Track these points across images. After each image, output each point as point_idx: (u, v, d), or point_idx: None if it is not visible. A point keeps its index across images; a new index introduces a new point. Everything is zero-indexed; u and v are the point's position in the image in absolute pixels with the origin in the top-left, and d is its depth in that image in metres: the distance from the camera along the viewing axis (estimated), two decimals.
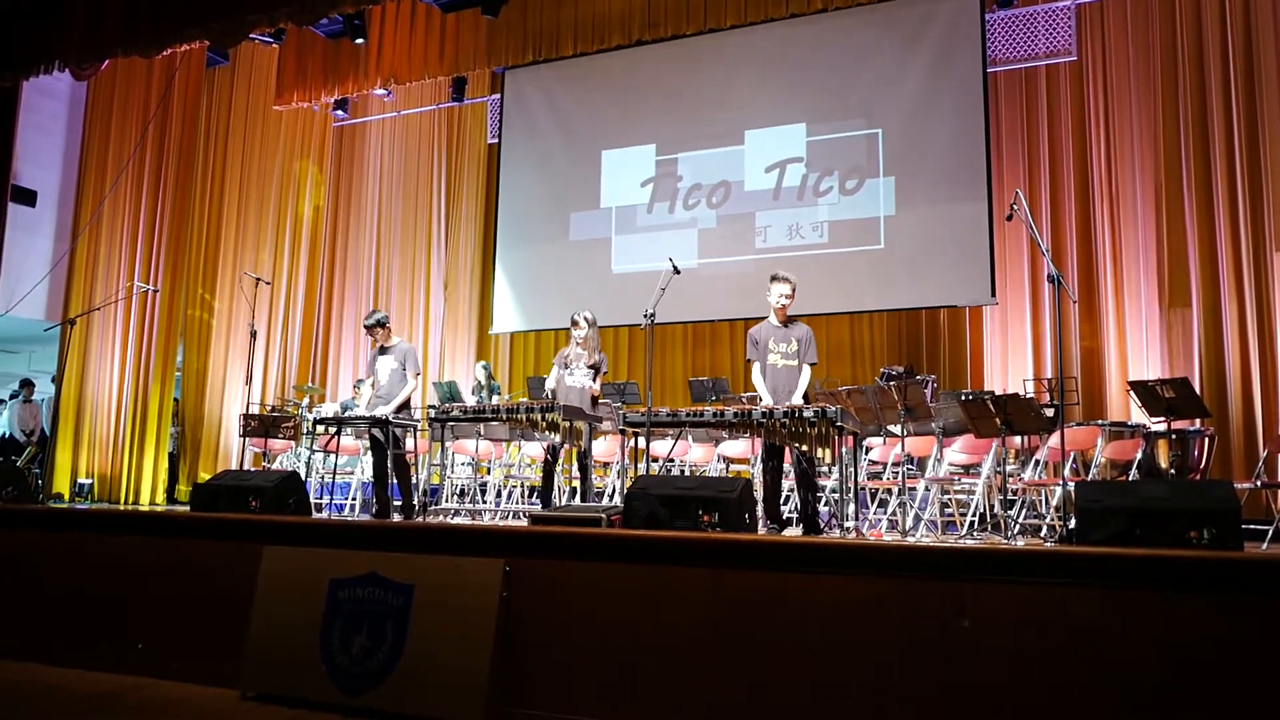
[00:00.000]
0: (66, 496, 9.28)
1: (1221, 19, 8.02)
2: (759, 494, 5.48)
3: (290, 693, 3.65)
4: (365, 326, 6.72)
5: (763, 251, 9.30)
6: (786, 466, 5.51)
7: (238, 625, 3.84)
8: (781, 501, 5.64)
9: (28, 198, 9.98)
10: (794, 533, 5.34)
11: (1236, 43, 7.93)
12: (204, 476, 9.95)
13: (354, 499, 8.26)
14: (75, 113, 10.37)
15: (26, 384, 10.11)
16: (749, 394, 7.91)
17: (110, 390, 9.64)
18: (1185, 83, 8.12)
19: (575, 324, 6.32)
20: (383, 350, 6.63)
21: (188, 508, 5.71)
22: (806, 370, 5.41)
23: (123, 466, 9.53)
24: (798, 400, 5.31)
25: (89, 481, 9.42)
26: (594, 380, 6.24)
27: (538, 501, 7.93)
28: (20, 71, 8.02)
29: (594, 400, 6.22)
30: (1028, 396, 5.88)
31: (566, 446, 6.12)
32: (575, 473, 6.21)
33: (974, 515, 5.99)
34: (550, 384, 6.34)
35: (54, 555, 4.58)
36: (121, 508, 8.90)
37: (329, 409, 6.69)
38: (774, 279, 5.54)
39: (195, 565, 4.21)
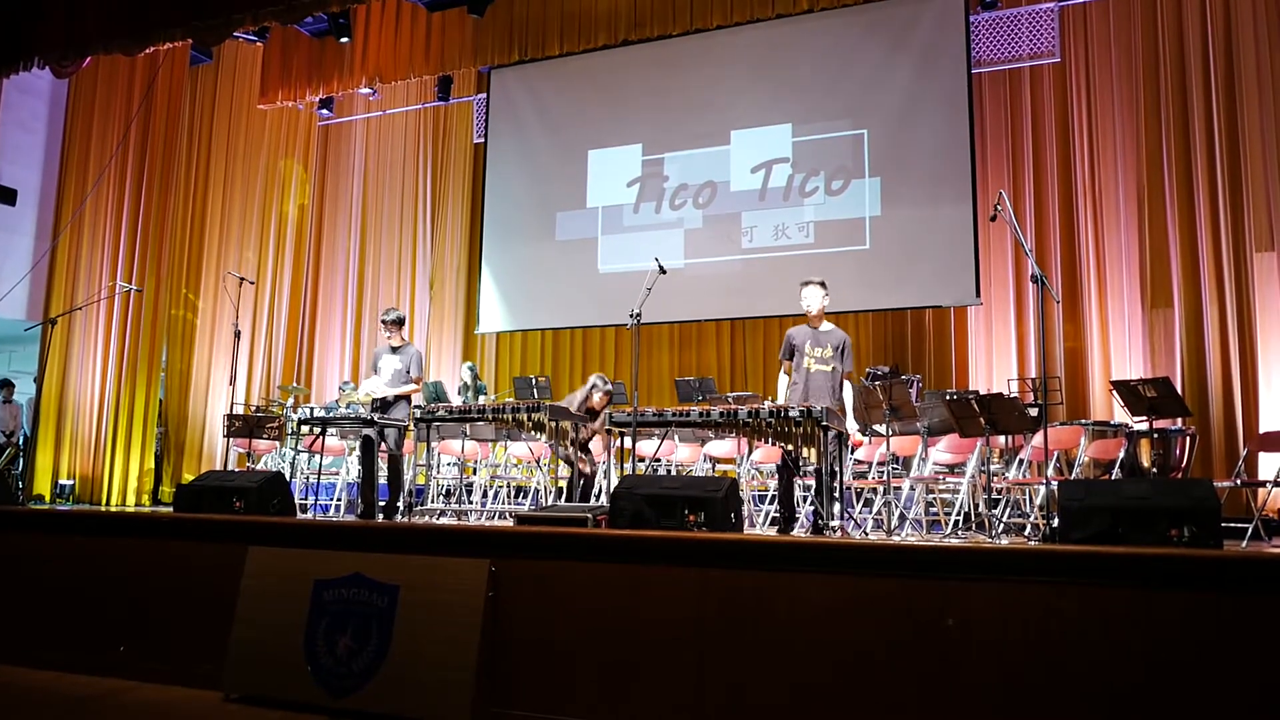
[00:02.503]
0: (47, 498, 9.20)
1: (1202, 22, 8.10)
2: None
3: (274, 694, 3.63)
4: (383, 321, 6.67)
5: (749, 252, 9.32)
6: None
7: (221, 627, 3.81)
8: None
9: (8, 196, 9.89)
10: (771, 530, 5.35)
11: (1217, 45, 8.01)
12: (188, 477, 9.88)
13: (339, 499, 8.23)
14: (56, 111, 10.28)
15: (6, 384, 10.00)
16: (735, 394, 7.93)
17: (92, 391, 9.56)
18: (1167, 85, 8.19)
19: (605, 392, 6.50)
20: (392, 350, 6.59)
21: (171, 509, 5.67)
22: (848, 386, 5.38)
23: (105, 468, 9.45)
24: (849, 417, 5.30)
25: (70, 483, 9.34)
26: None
27: (525, 502, 7.93)
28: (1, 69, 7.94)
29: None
30: (1012, 396, 5.91)
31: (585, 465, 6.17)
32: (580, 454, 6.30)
33: (959, 514, 6.02)
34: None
35: (35, 557, 4.53)
36: (104, 509, 8.83)
37: (363, 390, 6.73)
38: (803, 284, 5.46)
39: (179, 566, 4.18)
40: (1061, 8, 8.72)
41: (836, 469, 5.21)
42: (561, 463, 6.42)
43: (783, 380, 5.51)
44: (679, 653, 3.25)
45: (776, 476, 5.62)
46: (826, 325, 5.47)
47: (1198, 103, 8.05)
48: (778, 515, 5.54)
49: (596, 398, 6.52)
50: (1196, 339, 7.86)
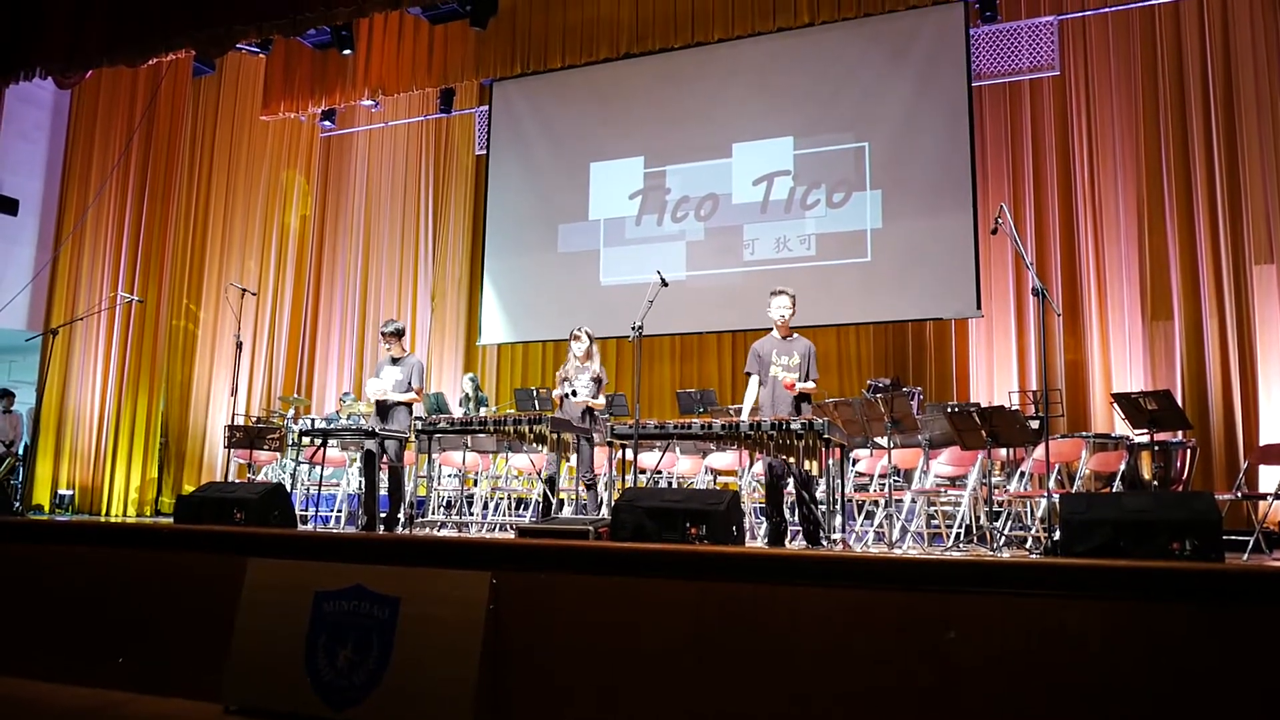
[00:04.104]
0: (47, 508, 9.19)
1: (1201, 35, 8.14)
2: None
3: (274, 706, 3.62)
4: (383, 333, 6.69)
5: (750, 264, 9.33)
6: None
7: (221, 638, 3.80)
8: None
9: (10, 206, 9.91)
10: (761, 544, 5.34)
11: (1216, 58, 8.05)
12: (188, 488, 9.87)
13: (339, 511, 8.21)
14: (59, 121, 10.32)
15: (7, 394, 10.00)
16: (736, 406, 7.92)
17: (92, 401, 9.56)
18: (1166, 98, 8.22)
19: (576, 338, 6.32)
20: (394, 361, 6.61)
21: (171, 520, 5.66)
22: (810, 384, 5.41)
23: (105, 478, 9.44)
24: (804, 410, 5.31)
25: (70, 493, 9.33)
26: (597, 395, 6.26)
27: (526, 514, 7.91)
28: (0, 79, 7.97)
29: (591, 413, 6.21)
30: (1013, 409, 5.91)
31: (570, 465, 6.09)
32: (581, 489, 6.20)
33: (960, 527, 6.01)
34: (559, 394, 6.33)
35: (34, 568, 4.52)
36: (103, 519, 8.82)
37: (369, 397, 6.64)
38: (773, 293, 5.54)
39: (179, 578, 4.17)
40: (1061, 21, 8.76)
41: (838, 481, 5.19)
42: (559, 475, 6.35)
43: (750, 391, 5.52)
44: (679, 665, 3.25)
45: (765, 488, 5.61)
46: (793, 335, 5.53)
47: (1196, 115, 8.08)
48: (770, 526, 5.53)
49: (576, 350, 6.33)
50: (1197, 351, 7.87)
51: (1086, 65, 8.64)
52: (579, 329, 6.39)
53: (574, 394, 6.22)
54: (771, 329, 5.58)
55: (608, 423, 6.50)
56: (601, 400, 6.31)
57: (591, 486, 6.06)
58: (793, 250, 9.19)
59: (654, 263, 8.34)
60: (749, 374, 5.58)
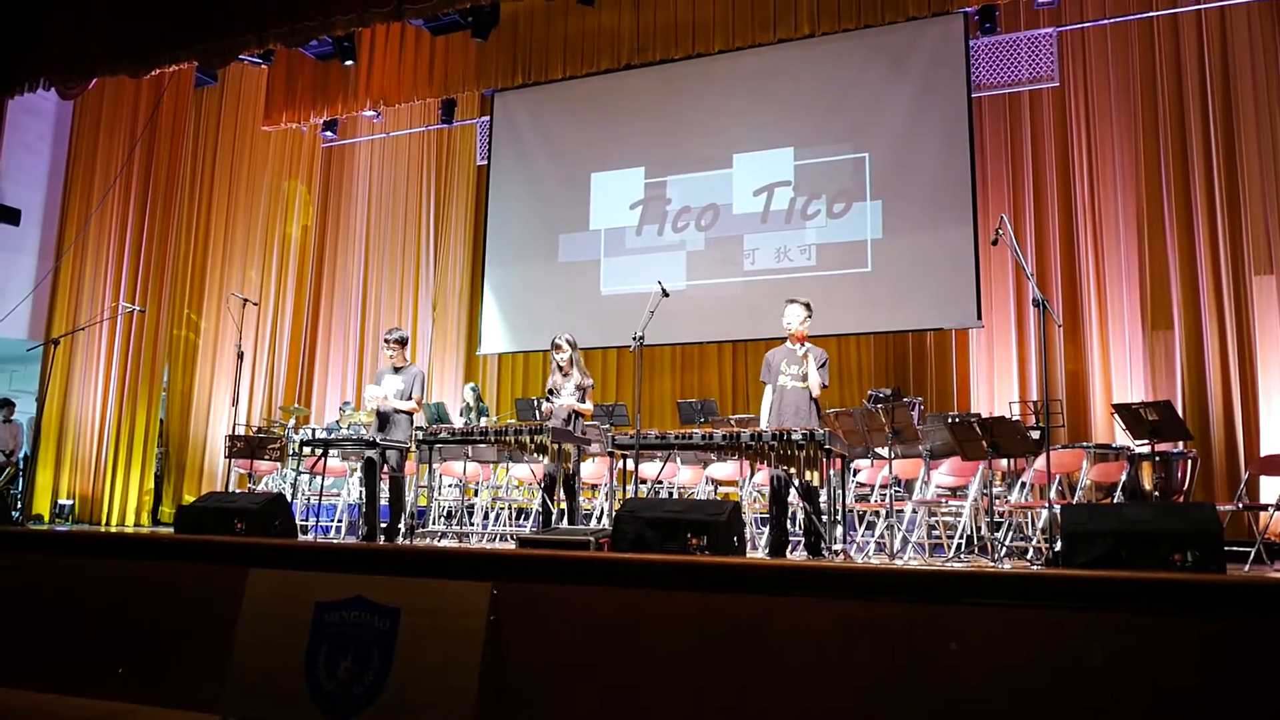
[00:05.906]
0: (46, 518, 9.18)
1: (1199, 46, 8.17)
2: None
3: (274, 717, 3.61)
4: (387, 340, 6.69)
5: (751, 274, 9.35)
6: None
7: (221, 649, 3.79)
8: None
9: (12, 216, 9.93)
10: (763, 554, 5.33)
11: (1214, 69, 8.08)
12: (188, 498, 9.86)
13: (340, 521, 8.20)
14: (61, 131, 10.35)
15: (7, 403, 10.00)
16: (737, 416, 7.93)
17: (93, 411, 9.56)
18: (1165, 108, 8.25)
19: (557, 348, 6.35)
20: (395, 370, 6.62)
21: (171, 530, 5.66)
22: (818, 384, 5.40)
23: (105, 488, 9.44)
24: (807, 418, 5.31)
25: (70, 503, 9.32)
26: (583, 400, 6.26)
27: (526, 524, 7.91)
28: (4, 90, 8.01)
29: (575, 416, 6.22)
30: (1014, 419, 5.91)
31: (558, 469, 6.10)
32: (562, 495, 6.19)
33: (961, 538, 6.01)
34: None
35: (33, 578, 4.52)
36: (103, 529, 8.81)
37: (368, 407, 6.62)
38: (788, 303, 5.56)
39: (178, 588, 4.16)
40: (1060, 33, 8.79)
41: (839, 492, 5.19)
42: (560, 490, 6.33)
43: (766, 400, 5.54)
44: (680, 676, 3.24)
45: (768, 500, 5.61)
46: (805, 344, 5.54)
47: (1195, 126, 8.11)
48: (772, 536, 5.52)
49: (559, 359, 6.36)
50: (1197, 362, 7.87)
51: (1086, 76, 8.67)
52: (559, 338, 6.38)
53: (551, 393, 6.26)
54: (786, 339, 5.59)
55: (608, 433, 6.50)
56: (588, 406, 6.30)
57: (572, 493, 6.05)
58: (793, 260, 9.21)
59: (654, 273, 8.36)
60: (764, 383, 5.59)
